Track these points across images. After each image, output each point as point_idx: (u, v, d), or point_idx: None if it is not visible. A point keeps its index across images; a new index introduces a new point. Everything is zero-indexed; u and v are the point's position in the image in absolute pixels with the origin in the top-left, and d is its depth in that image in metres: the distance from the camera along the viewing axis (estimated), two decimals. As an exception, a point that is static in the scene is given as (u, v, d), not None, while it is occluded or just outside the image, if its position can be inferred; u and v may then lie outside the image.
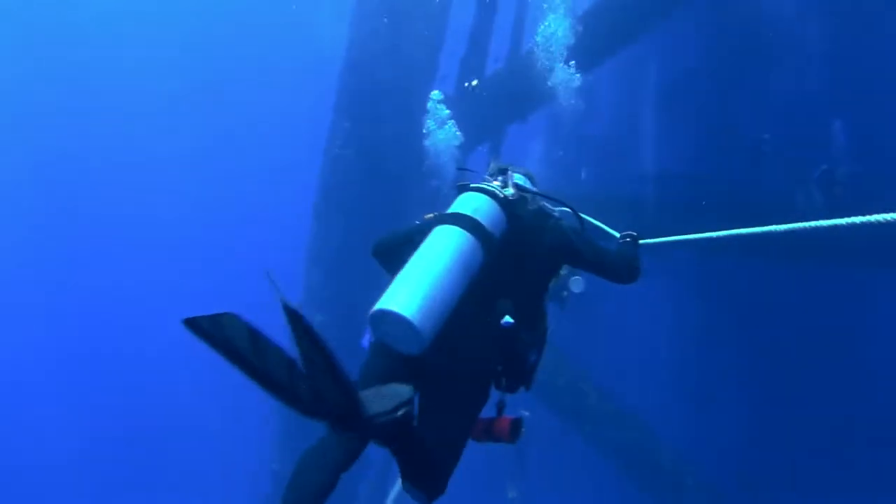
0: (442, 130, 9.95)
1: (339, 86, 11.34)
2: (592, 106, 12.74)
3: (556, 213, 3.08)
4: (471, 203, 2.70)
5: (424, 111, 10.05)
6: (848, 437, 10.99)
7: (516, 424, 2.83)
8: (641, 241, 3.31)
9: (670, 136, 11.83)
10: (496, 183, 2.90)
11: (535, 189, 3.08)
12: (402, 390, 2.08)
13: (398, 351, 2.41)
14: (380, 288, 2.45)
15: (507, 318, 2.57)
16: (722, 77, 11.45)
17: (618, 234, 3.40)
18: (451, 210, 2.71)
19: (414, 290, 2.33)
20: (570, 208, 3.14)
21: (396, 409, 1.99)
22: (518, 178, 3.02)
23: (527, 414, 11.46)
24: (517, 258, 2.75)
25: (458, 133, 9.83)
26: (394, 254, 2.67)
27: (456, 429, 2.56)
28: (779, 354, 11.53)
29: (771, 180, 10.01)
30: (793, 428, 11.29)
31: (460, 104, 10.40)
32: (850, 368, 10.93)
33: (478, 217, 2.63)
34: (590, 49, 9.82)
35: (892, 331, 10.60)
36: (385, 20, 10.42)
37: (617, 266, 3.03)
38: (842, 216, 2.28)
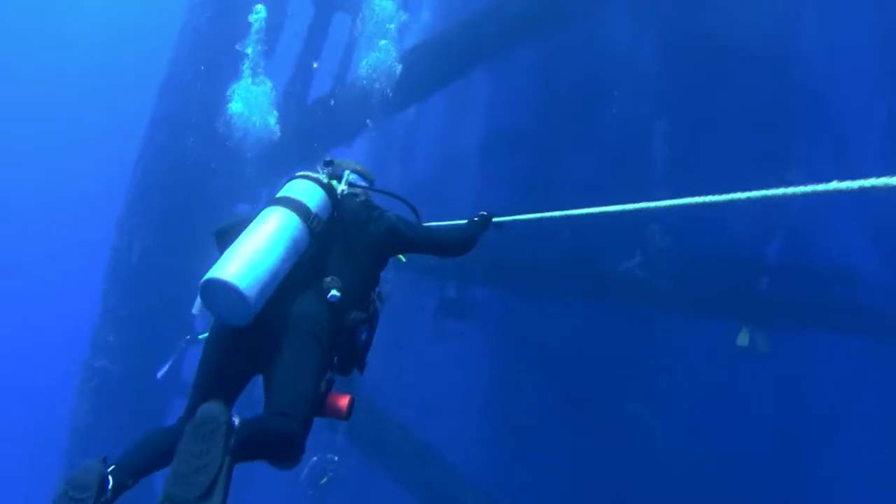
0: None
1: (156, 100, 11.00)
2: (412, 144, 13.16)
3: (381, 207, 3.24)
4: (297, 188, 2.89)
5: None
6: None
7: (352, 402, 2.89)
8: (495, 220, 3.60)
9: (490, 185, 12.21)
10: (323, 174, 3.09)
11: (366, 185, 3.30)
12: (215, 416, 2.10)
13: (228, 324, 2.54)
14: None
15: (335, 293, 2.71)
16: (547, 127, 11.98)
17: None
18: (279, 195, 2.87)
19: (241, 260, 2.47)
20: (405, 201, 3.33)
21: (226, 445, 2.08)
22: (351, 176, 3.22)
23: (335, 458, 11.30)
24: (344, 242, 2.92)
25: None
26: (230, 235, 2.76)
27: (298, 402, 2.55)
28: (584, 397, 12.02)
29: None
30: (597, 470, 11.68)
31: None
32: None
33: (303, 200, 2.81)
34: (412, 86, 10.03)
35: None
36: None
37: (446, 241, 3.36)
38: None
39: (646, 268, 10.11)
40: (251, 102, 9.95)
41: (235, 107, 9.89)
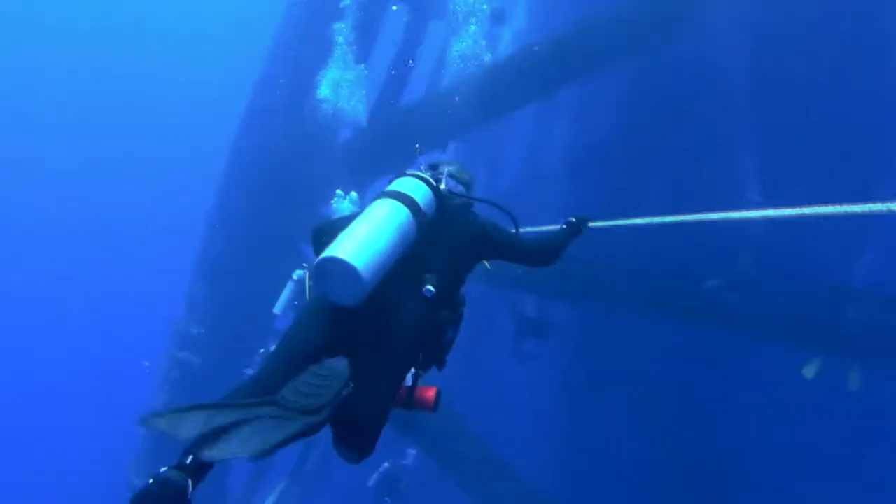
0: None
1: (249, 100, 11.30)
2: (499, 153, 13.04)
3: (476, 211, 3.33)
4: (408, 185, 2.99)
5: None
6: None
7: (439, 394, 3.00)
8: (591, 224, 3.67)
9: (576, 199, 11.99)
10: (428, 174, 3.20)
11: (461, 191, 3.39)
12: (339, 369, 2.31)
13: (335, 302, 2.59)
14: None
15: (430, 287, 2.76)
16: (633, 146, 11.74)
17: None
18: (389, 188, 2.98)
19: (358, 243, 2.56)
20: (502, 208, 3.39)
21: (340, 392, 2.23)
22: (450, 178, 3.36)
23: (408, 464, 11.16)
24: (443, 242, 3.00)
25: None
26: (331, 232, 2.80)
27: (385, 390, 2.65)
28: (661, 417, 11.55)
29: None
30: (669, 484, 11.21)
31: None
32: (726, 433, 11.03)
33: (413, 195, 2.91)
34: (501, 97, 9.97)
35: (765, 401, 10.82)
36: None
37: (535, 248, 3.42)
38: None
39: (732, 289, 9.65)
40: (341, 88, 9.99)
41: (324, 91, 9.99)
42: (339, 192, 7.19)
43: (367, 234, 2.63)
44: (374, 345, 2.64)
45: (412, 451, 11.59)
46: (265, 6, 13.88)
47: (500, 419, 12.41)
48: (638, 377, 11.43)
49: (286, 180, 10.54)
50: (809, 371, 9.51)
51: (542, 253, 3.48)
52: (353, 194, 7.19)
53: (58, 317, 32.29)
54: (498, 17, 10.29)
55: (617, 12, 9.22)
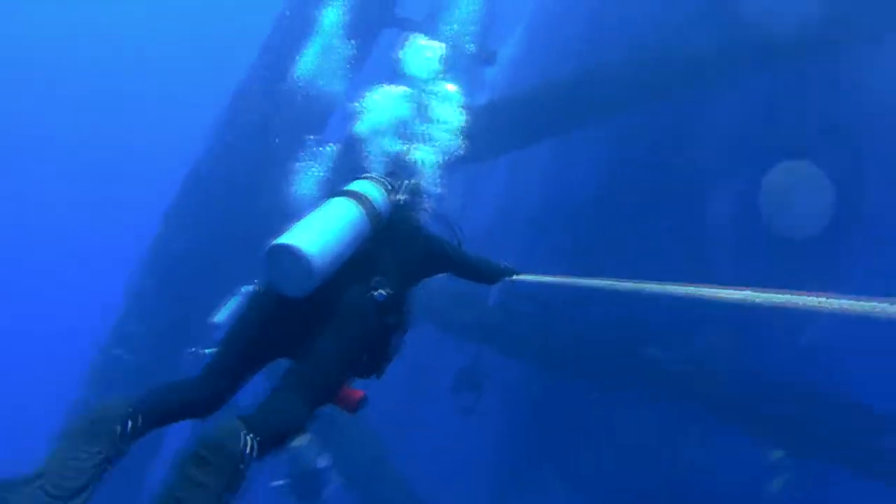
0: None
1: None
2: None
3: (428, 225, 3.43)
4: (365, 186, 3.03)
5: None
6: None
7: (365, 399, 2.91)
8: (516, 277, 3.74)
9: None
10: (386, 180, 3.25)
11: (420, 201, 3.50)
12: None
13: (282, 292, 2.56)
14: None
15: (381, 291, 2.76)
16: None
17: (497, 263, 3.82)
18: (345, 188, 3.01)
19: (311, 233, 2.55)
20: (452, 226, 3.56)
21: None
22: (408, 189, 3.40)
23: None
24: (395, 248, 3.04)
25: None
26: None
27: (321, 393, 2.54)
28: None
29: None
30: None
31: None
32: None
33: (368, 195, 2.95)
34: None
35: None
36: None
37: (480, 269, 3.57)
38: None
39: (673, 357, 9.34)
40: (320, 68, 9.77)
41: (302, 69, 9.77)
42: None
43: (322, 227, 2.63)
44: (316, 340, 2.55)
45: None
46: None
47: (432, 467, 12.14)
48: (572, 436, 11.26)
49: (254, 184, 10.33)
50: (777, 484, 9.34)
51: (484, 275, 3.63)
52: None
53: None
54: (488, 60, 10.25)
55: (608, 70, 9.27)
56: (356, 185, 3.04)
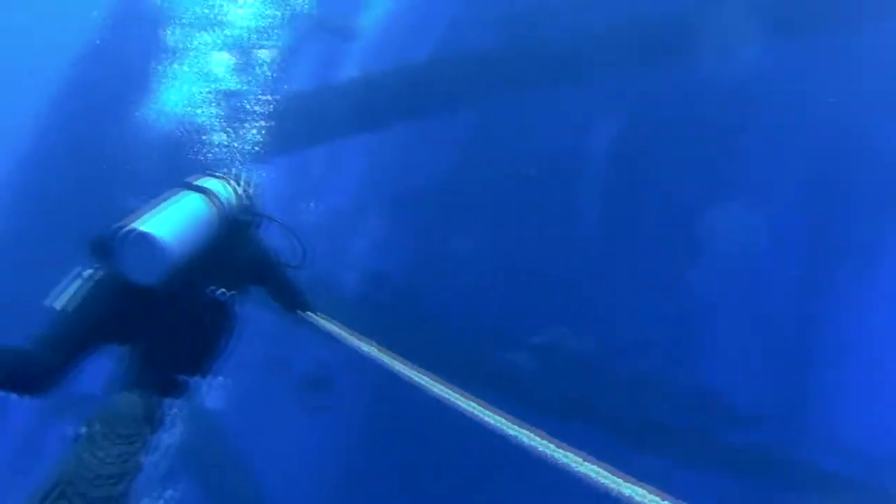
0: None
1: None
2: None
3: (260, 235, 3.38)
4: (215, 184, 3.00)
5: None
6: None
7: (185, 385, 2.92)
8: (305, 312, 3.44)
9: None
10: (233, 182, 3.21)
11: (256, 206, 3.38)
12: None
13: (130, 279, 2.49)
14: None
15: (223, 290, 2.80)
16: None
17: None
18: (196, 182, 2.93)
19: (165, 222, 2.49)
20: (298, 238, 3.43)
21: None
22: (244, 194, 3.27)
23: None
24: (233, 251, 3.04)
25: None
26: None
27: (155, 385, 2.67)
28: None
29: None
30: None
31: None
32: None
33: (219, 193, 2.93)
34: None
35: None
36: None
37: (288, 294, 3.42)
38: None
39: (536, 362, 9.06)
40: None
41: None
42: None
43: (174, 216, 2.58)
44: (157, 334, 2.62)
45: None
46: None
47: (279, 465, 11.44)
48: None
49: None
50: None
51: (290, 301, 3.42)
52: None
53: None
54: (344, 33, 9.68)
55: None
56: (205, 182, 2.98)
